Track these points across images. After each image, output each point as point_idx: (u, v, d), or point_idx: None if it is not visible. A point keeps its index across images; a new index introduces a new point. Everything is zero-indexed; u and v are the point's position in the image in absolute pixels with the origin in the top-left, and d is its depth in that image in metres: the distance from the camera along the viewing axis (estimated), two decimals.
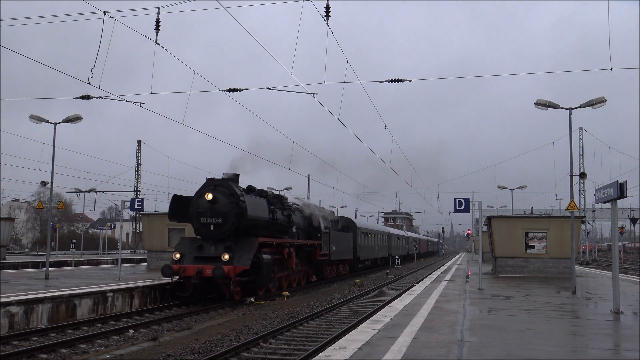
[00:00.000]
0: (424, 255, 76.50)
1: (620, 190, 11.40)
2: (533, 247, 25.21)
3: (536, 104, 18.77)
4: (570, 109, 18.60)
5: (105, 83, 29.51)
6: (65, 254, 46.75)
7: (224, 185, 18.67)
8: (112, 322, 14.17)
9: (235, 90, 16.47)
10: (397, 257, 42.51)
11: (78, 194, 47.18)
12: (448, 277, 24.92)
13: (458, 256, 73.76)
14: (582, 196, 54.50)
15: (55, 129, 20.45)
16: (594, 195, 13.85)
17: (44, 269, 21.60)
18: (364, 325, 10.08)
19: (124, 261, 34.65)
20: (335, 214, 34.07)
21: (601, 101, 18.27)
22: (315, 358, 7.40)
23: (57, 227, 53.56)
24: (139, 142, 61.99)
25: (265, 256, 18.73)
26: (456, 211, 17.67)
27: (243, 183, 20.23)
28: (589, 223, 62.70)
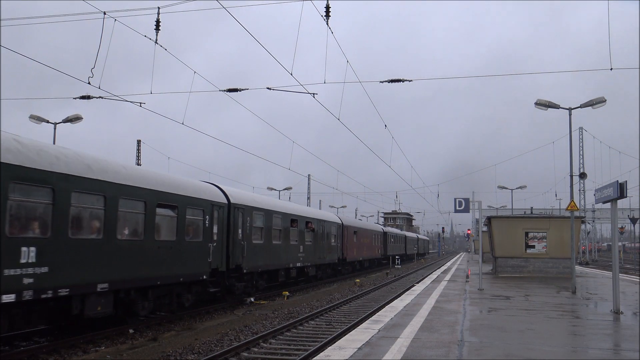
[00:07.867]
0: (367, 266, 41.70)
1: (620, 190, 11.41)
2: (533, 247, 25.19)
3: (536, 104, 18.78)
4: (570, 109, 18.61)
5: (107, 83, 29.54)
6: None
7: None
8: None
9: (235, 90, 16.46)
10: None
11: None
12: (448, 277, 24.92)
13: (458, 256, 73.74)
14: (582, 196, 54.50)
15: (55, 129, 20.48)
16: (594, 195, 13.85)
17: None
18: (364, 325, 10.08)
19: None
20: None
21: (601, 101, 18.28)
22: (315, 358, 7.40)
23: None
24: (139, 142, 61.99)
25: None
26: (456, 211, 17.67)
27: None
28: (589, 223, 62.71)
